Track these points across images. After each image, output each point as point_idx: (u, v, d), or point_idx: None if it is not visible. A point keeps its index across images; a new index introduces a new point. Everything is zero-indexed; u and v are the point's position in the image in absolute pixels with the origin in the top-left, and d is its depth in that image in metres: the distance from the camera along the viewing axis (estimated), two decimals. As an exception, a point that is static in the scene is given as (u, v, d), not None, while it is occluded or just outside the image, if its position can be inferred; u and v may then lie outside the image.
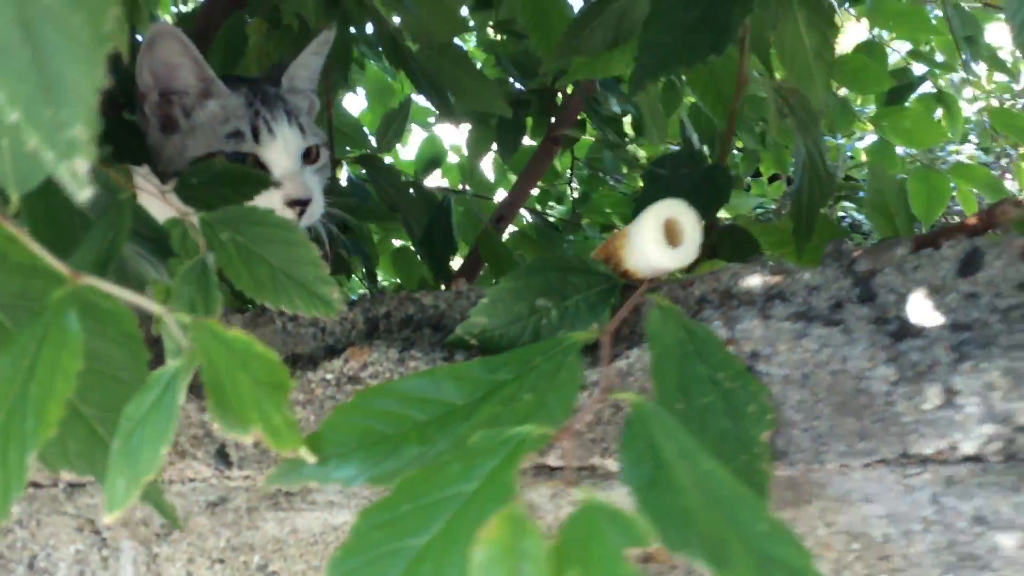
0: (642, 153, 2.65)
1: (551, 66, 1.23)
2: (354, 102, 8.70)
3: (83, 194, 0.35)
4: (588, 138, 2.48)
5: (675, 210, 0.65)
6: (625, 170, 2.67)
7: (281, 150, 0.99)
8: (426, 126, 2.78)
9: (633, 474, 0.43)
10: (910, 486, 0.58)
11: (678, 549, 0.40)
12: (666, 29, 0.87)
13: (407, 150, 3.10)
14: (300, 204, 0.98)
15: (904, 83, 2.35)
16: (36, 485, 0.84)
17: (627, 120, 2.31)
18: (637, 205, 0.89)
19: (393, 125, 1.38)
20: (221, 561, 0.77)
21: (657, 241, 0.64)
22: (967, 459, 0.56)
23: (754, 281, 0.67)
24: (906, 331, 0.59)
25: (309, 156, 1.03)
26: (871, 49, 2.23)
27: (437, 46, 1.11)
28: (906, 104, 2.34)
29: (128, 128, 0.94)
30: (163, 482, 0.79)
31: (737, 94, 0.93)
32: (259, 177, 0.85)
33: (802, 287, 0.66)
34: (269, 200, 0.95)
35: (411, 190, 1.29)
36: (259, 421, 0.44)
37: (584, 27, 1.12)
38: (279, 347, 0.83)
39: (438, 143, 2.75)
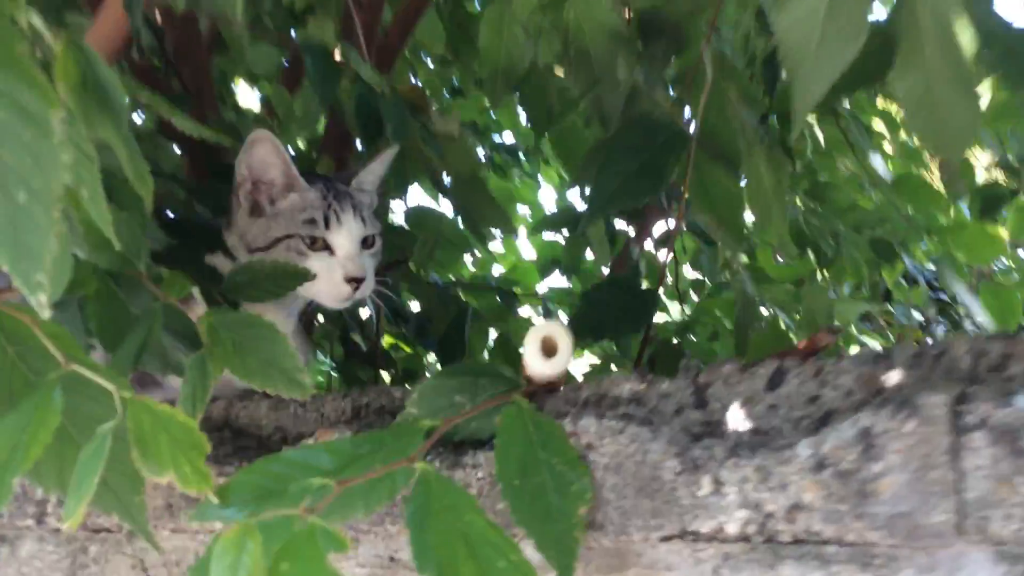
0: (744, 259, 2.77)
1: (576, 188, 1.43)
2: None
3: (44, 314, 0.57)
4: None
5: (552, 330, 0.83)
6: (727, 275, 2.78)
7: (345, 236, 1.19)
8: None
9: (410, 519, 0.61)
10: (699, 558, 0.72)
11: (422, 572, 0.58)
12: (614, 175, 1.06)
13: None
14: (356, 281, 1.18)
15: (993, 195, 2.39)
16: (108, 531, 1.07)
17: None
18: (574, 322, 1.07)
19: (426, 246, 1.60)
20: (226, 591, 0.98)
21: (535, 354, 0.83)
22: (740, 538, 0.71)
23: (625, 387, 0.84)
24: (705, 432, 0.75)
25: (367, 243, 1.23)
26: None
27: (463, 178, 1.33)
28: (1002, 213, 2.40)
29: (204, 228, 1.20)
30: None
31: (675, 231, 1.10)
32: (298, 271, 1.08)
33: (656, 394, 0.82)
34: (331, 277, 1.17)
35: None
36: (172, 469, 0.65)
37: (593, 162, 1.32)
38: (290, 426, 1.05)
39: (557, 246, 2.96)
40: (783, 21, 0.87)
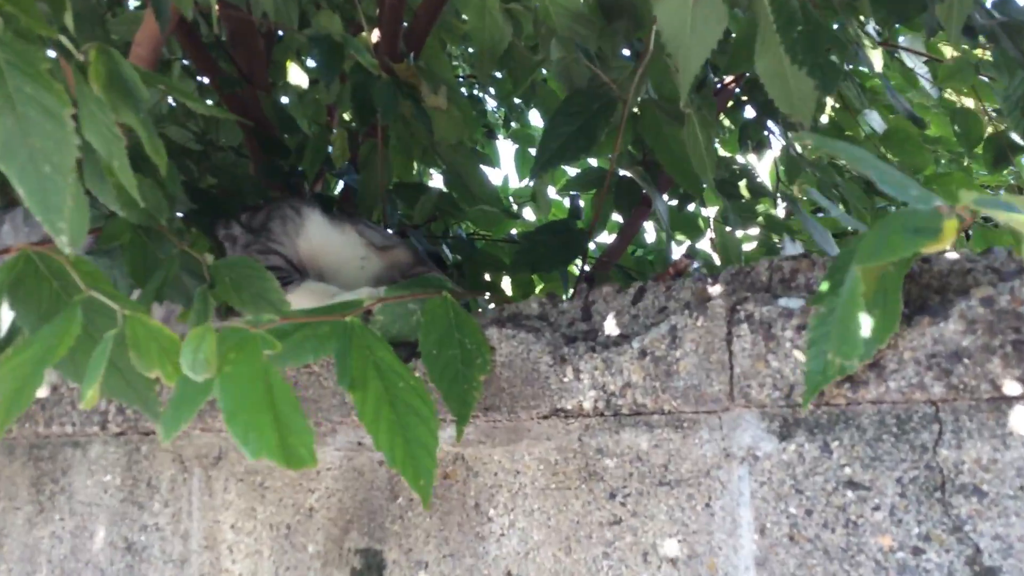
0: (761, 207, 2.93)
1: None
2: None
3: (66, 250, 0.81)
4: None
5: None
6: (759, 228, 2.94)
7: None
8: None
9: (336, 352, 0.86)
10: (568, 429, 0.94)
11: (340, 384, 0.81)
12: (556, 136, 1.27)
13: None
14: None
15: (1003, 145, 2.51)
16: (155, 433, 1.34)
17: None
18: (516, 258, 1.29)
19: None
20: (241, 480, 1.23)
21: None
22: (594, 413, 0.92)
23: (534, 306, 1.06)
24: (583, 337, 0.96)
25: None
26: (966, 116, 2.44)
27: (451, 144, 1.55)
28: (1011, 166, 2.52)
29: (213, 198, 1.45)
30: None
31: (607, 182, 1.31)
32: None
33: (557, 310, 1.03)
34: None
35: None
36: (158, 367, 0.89)
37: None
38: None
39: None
40: (661, 12, 1.07)
